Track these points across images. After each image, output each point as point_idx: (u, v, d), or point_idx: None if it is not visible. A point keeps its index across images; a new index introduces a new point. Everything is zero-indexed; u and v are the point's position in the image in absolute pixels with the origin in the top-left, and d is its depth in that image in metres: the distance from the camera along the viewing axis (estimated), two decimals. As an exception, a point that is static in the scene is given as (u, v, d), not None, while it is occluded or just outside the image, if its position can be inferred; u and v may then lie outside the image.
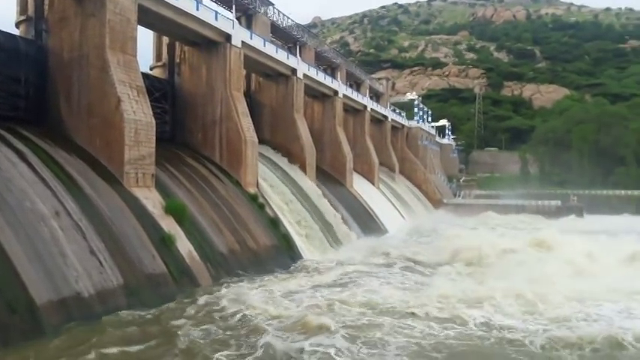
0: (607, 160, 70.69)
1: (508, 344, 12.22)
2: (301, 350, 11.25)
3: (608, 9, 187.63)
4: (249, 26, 30.76)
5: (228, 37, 25.52)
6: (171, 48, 27.20)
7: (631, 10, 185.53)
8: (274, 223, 24.39)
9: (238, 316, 13.76)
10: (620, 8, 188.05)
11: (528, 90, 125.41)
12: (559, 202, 56.57)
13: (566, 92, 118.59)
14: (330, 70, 43.83)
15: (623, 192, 65.86)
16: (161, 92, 25.34)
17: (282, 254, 22.99)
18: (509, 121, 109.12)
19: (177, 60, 26.89)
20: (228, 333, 12.52)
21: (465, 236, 28.19)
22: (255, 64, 30.34)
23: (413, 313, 14.37)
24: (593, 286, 17.07)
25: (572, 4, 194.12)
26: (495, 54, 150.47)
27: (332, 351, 11.26)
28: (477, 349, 12.00)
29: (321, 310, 14.47)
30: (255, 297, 15.34)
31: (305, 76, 34.45)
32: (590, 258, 21.36)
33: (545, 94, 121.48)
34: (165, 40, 27.44)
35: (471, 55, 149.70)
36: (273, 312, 14.03)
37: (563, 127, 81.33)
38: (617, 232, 34.52)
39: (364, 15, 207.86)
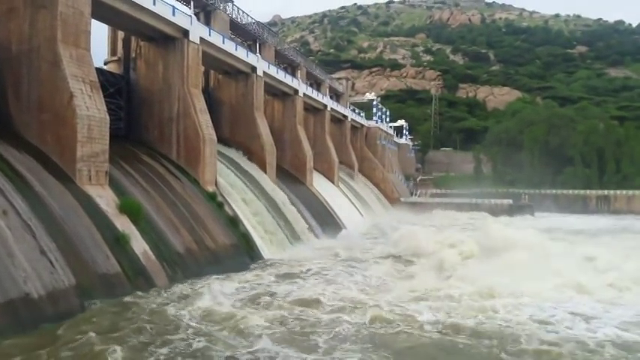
0: (556, 160, 73.81)
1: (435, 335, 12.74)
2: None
3: (557, 15, 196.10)
4: (207, 22, 30.35)
5: (185, 33, 25.10)
6: (126, 42, 26.49)
7: (579, 16, 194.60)
8: (233, 222, 24.19)
9: (181, 315, 13.53)
10: (568, 15, 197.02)
11: (482, 92, 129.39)
12: (511, 201, 58.59)
13: (519, 95, 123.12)
14: (291, 68, 43.84)
15: (570, 191, 69.09)
16: (116, 88, 24.67)
17: (241, 253, 22.83)
18: (464, 122, 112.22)
19: (133, 55, 26.22)
20: (160, 334, 12.14)
21: (417, 233, 28.55)
22: (213, 61, 29.97)
23: (357, 308, 14.64)
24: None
25: (524, 9, 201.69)
26: (451, 56, 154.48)
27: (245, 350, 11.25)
28: (413, 343, 12.31)
29: (257, 310, 14.43)
30: (206, 297, 15.11)
31: (265, 74, 34.31)
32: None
33: (498, 96, 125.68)
34: (121, 34, 26.73)
35: (427, 57, 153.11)
36: (217, 311, 13.95)
37: (515, 128, 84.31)
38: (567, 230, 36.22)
39: (324, 15, 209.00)
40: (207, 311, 13.94)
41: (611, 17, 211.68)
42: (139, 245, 17.25)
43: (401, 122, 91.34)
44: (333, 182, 46.54)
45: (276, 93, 39.59)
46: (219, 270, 19.72)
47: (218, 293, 15.85)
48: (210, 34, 27.33)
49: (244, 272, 20.27)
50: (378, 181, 61.79)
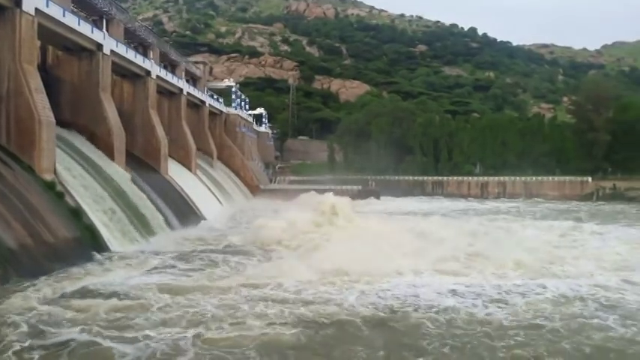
0: (399, 149, 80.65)
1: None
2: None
3: (402, 15, 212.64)
4: (43, -9, 27.11)
5: (17, 2, 22.17)
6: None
7: (420, 18, 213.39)
8: (76, 214, 22.22)
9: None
10: (412, 15, 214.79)
11: (336, 84, 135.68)
12: (360, 187, 62.93)
13: (367, 88, 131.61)
14: (142, 48, 41.13)
15: (411, 177, 76.67)
16: None
17: (85, 247, 21.09)
18: (319, 112, 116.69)
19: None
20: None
21: (274, 221, 28.86)
22: (52, 36, 26.98)
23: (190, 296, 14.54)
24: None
25: (373, 7, 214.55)
26: (307, 48, 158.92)
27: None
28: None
29: (85, 304, 13.71)
30: (16, 299, 13.86)
31: (113, 52, 31.81)
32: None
33: (349, 89, 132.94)
34: None
35: (285, 47, 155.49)
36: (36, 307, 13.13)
37: (363, 119, 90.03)
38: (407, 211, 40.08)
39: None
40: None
41: (447, 20, 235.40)
42: (-41, 242, 15.03)
43: (260, 110, 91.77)
44: (190, 170, 45.13)
45: (126, 74, 36.99)
46: (60, 266, 18.10)
47: (49, 291, 14.79)
48: (47, 6, 24.44)
49: (87, 267, 18.86)
50: (238, 169, 61.48)
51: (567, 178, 70.13)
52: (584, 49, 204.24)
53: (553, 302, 14.89)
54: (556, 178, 70.67)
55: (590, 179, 68.52)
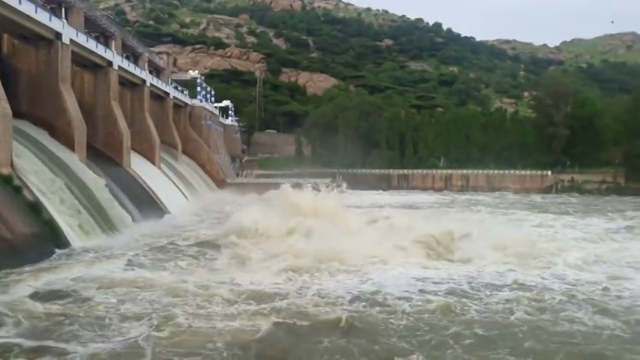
0: (366, 143, 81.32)
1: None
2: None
3: (369, 9, 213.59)
4: (-3, -23, 25.89)
5: (-32, -13, 21.14)
6: None
7: (386, 12, 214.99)
8: (35, 208, 21.48)
9: None
10: (378, 9, 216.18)
11: (303, 78, 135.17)
12: (328, 180, 63.08)
13: (335, 82, 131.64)
14: (104, 38, 39.88)
15: (377, 171, 77.49)
16: None
17: (45, 243, 20.44)
18: (287, 105, 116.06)
19: None
20: None
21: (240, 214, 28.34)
22: (8, 24, 25.88)
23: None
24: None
25: (340, 0, 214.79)
26: (274, 40, 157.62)
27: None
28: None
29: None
30: None
31: (73, 42, 30.72)
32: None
33: (317, 83, 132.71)
34: None
35: (252, 39, 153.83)
36: None
37: (331, 113, 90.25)
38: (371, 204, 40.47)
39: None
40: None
41: (413, 15, 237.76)
42: None
43: (226, 103, 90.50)
44: (154, 164, 44.20)
45: (87, 64, 35.81)
46: (18, 262, 17.48)
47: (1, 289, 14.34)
48: (0, -9, 23.41)
49: (46, 263, 18.32)
50: (204, 163, 60.57)
51: (528, 171, 72.31)
52: (545, 46, 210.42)
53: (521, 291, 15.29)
54: (517, 172, 72.72)
55: (549, 173, 70.83)
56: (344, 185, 63.73)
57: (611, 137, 72.10)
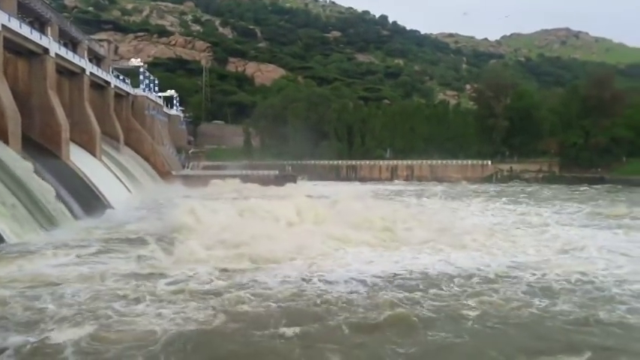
0: (315, 134, 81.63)
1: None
2: None
3: (316, 0, 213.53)
4: None
5: None
6: None
7: (334, 3, 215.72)
8: (-34, 204, 20.32)
9: None
10: (325, 1, 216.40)
11: (251, 67, 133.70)
12: (277, 172, 63.05)
13: (283, 72, 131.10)
14: (39, 24, 37.86)
15: (326, 162, 78.14)
16: None
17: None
18: (234, 96, 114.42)
19: None
20: None
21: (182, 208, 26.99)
22: None
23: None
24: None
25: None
26: (220, 29, 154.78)
27: None
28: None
29: None
30: None
31: (5, 27, 29.02)
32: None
33: (265, 73, 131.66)
34: None
35: (197, 28, 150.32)
36: None
37: (280, 104, 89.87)
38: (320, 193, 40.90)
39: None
40: None
41: (359, 7, 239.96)
42: None
43: (171, 92, 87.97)
44: (94, 156, 42.59)
45: (21, 51, 33.97)
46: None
47: None
48: None
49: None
50: (148, 154, 58.85)
51: (470, 161, 75.17)
52: (486, 39, 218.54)
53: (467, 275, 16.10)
54: (459, 162, 75.47)
55: (490, 162, 73.99)
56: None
57: (547, 128, 75.89)
